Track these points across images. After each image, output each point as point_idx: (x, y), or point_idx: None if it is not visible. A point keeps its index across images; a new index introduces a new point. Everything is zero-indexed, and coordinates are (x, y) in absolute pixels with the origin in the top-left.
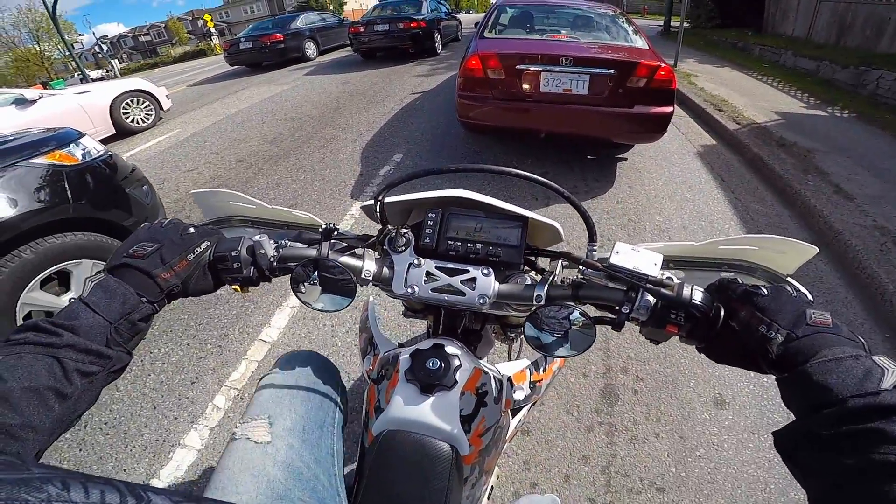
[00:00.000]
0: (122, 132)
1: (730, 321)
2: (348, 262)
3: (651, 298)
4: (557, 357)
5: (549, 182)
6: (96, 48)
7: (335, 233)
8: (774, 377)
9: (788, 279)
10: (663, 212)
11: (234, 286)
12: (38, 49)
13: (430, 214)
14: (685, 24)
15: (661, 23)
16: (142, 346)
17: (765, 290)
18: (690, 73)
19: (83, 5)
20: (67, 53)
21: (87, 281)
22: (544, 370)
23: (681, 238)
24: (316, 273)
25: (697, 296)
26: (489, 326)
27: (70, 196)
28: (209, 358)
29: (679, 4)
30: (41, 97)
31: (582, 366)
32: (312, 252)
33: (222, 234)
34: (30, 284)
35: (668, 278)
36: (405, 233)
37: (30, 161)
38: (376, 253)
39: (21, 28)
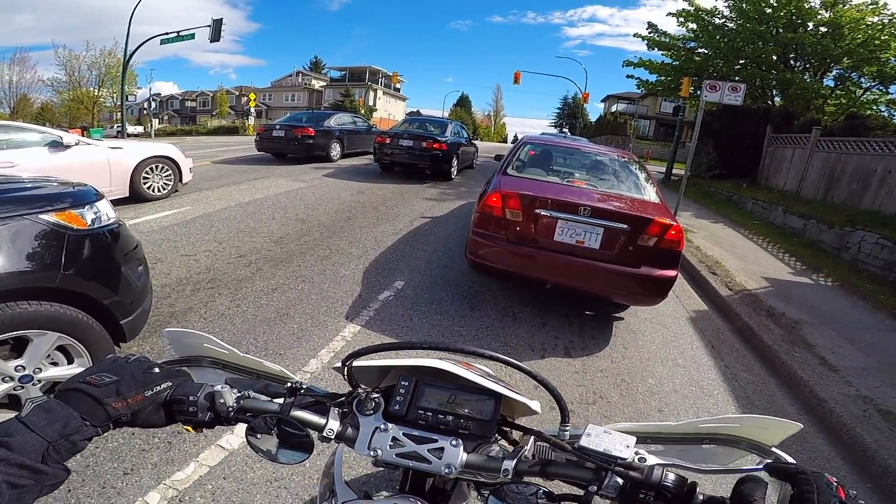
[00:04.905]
0: (136, 197)
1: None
2: (311, 418)
3: (620, 480)
4: None
5: (523, 365)
6: (146, 104)
7: (301, 391)
8: None
9: (774, 450)
10: (656, 375)
11: (186, 426)
12: (95, 93)
13: (402, 382)
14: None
15: (664, 169)
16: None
17: None
18: (688, 229)
19: (152, 59)
20: (118, 103)
21: (28, 402)
22: None
23: (672, 402)
24: (276, 426)
25: (670, 477)
26: (464, 483)
27: (63, 263)
28: (153, 452)
29: (682, 150)
30: (77, 143)
31: None
32: (274, 406)
33: (188, 376)
34: None
35: (641, 459)
36: (375, 397)
37: (37, 216)
38: (344, 408)
39: (93, 70)
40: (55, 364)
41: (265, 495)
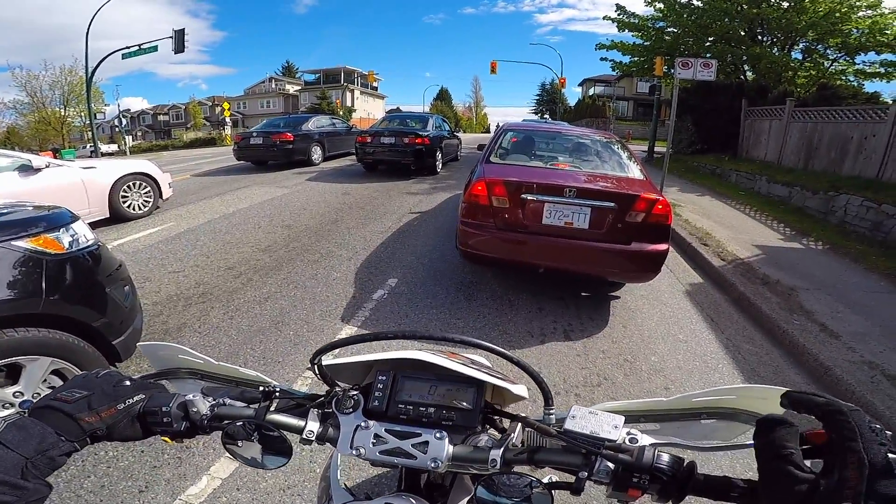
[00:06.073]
0: (116, 217)
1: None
2: (290, 421)
3: (611, 464)
4: None
5: (499, 349)
6: (116, 121)
7: (276, 394)
8: None
9: None
10: (658, 352)
11: (164, 437)
12: (62, 114)
13: (380, 377)
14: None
15: (646, 148)
16: (85, 448)
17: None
18: (675, 203)
19: (116, 75)
20: (88, 122)
21: (2, 421)
22: None
23: (677, 379)
24: (255, 432)
25: (663, 458)
26: (463, 476)
27: (44, 289)
28: (165, 468)
29: (662, 129)
30: (47, 166)
31: None
32: (249, 412)
33: (162, 387)
34: None
35: (632, 439)
36: (353, 394)
37: (11, 243)
38: (326, 409)
39: (56, 90)
40: (52, 388)
41: None
